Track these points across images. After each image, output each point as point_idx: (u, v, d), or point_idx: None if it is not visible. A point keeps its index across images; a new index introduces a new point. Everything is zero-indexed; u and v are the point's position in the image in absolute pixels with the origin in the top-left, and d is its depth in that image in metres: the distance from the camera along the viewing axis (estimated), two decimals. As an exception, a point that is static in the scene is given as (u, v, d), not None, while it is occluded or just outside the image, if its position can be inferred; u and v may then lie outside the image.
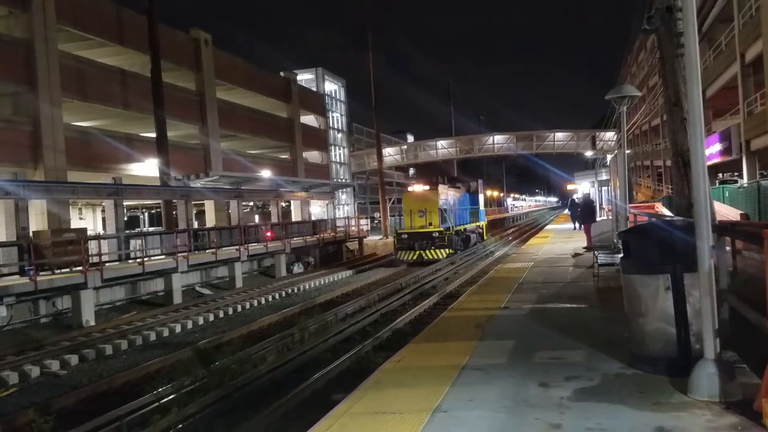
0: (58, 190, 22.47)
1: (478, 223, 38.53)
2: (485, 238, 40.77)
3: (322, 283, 25.53)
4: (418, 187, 30.95)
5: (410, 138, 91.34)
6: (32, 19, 25.10)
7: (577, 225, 29.64)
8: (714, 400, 4.67)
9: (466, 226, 34.28)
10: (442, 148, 65.73)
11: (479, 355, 6.71)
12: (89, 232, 28.47)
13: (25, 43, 24.94)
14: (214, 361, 10.33)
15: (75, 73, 27.51)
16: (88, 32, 28.68)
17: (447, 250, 29.04)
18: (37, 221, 23.77)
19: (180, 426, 7.83)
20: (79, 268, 17.82)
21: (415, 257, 28.91)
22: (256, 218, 53.30)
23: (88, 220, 38.70)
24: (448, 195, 31.47)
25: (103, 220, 37.40)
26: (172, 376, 10.17)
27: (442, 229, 29.02)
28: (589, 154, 59.28)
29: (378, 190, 45.98)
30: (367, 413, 5.01)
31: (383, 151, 51.00)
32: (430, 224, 29.14)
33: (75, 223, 30.52)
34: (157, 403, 8.73)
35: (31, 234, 20.85)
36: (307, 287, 24.21)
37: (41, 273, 17.22)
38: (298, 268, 30.40)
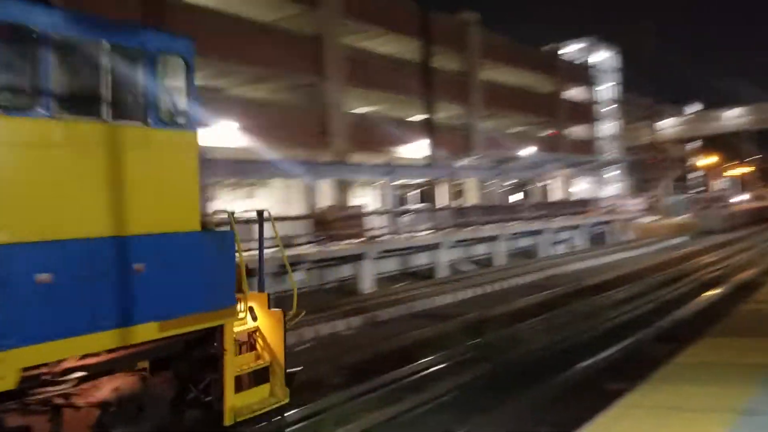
0: (343, 170, 24.99)
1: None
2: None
3: (589, 265, 24.21)
4: None
5: (697, 107, 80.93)
6: (320, 15, 28.08)
7: None
8: None
9: None
10: (734, 117, 57.42)
11: (796, 356, 5.66)
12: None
13: (314, 38, 28.04)
14: (478, 336, 10.52)
15: (356, 63, 30.11)
16: (366, 23, 31.08)
17: None
18: (321, 198, 26.80)
19: (449, 394, 8.12)
20: (359, 240, 19.66)
21: None
22: (513, 197, 52.95)
23: (363, 197, 42.37)
24: None
25: (382, 197, 40.55)
26: (441, 346, 10.58)
27: None
28: None
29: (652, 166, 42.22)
30: (661, 408, 4.57)
31: (660, 123, 46.53)
32: None
33: (352, 201, 33.69)
34: (429, 370, 9.18)
35: (317, 210, 23.56)
36: (569, 269, 23.22)
37: (327, 244, 19.42)
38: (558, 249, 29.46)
